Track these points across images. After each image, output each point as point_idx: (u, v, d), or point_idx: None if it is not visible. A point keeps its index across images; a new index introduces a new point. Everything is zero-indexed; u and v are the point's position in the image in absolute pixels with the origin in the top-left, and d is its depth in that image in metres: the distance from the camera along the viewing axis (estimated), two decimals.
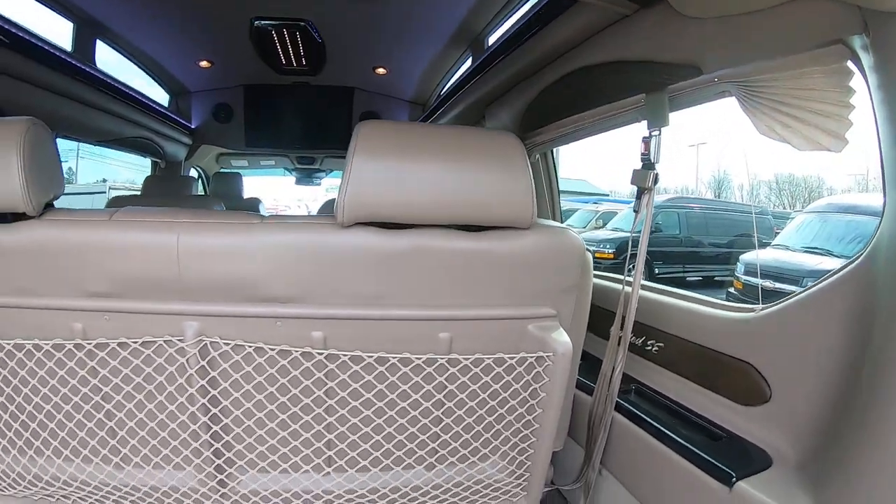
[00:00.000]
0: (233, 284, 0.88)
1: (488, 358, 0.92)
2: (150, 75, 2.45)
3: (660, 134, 1.07)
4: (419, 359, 0.91)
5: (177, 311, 0.88)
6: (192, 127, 2.85)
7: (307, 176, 3.66)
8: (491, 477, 1.06)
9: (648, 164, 1.06)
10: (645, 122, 1.11)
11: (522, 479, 1.02)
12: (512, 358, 0.92)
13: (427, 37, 2.08)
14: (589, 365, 1.21)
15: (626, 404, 1.14)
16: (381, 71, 2.55)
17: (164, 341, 0.89)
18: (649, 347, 1.25)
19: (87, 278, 0.88)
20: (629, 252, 1.11)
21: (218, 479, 0.98)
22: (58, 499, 0.99)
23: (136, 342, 0.89)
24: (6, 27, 1.35)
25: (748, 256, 6.02)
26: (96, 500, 0.98)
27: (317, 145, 2.96)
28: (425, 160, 0.86)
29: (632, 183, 1.08)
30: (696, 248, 7.22)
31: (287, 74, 2.55)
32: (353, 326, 0.90)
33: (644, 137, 1.07)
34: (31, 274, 0.89)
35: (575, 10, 1.24)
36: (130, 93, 2.12)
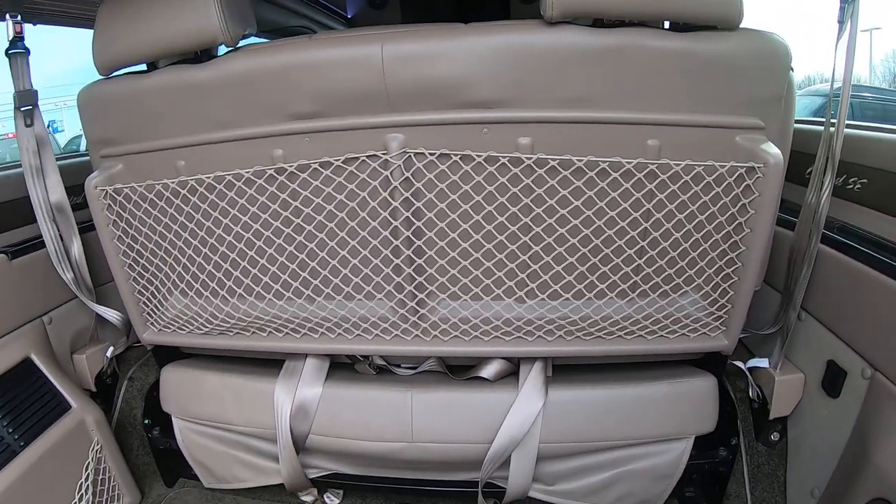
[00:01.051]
0: (438, 89, 0.86)
1: (699, 166, 0.86)
2: None
3: None
4: (629, 163, 0.86)
5: (381, 123, 0.88)
6: (349, 17, 2.87)
7: None
8: (688, 311, 0.99)
9: None
10: None
11: (724, 311, 0.96)
12: (723, 167, 0.86)
13: None
14: (784, 209, 1.11)
15: (833, 235, 1.03)
16: None
17: (368, 156, 0.89)
18: (850, 186, 1.13)
19: (288, 101, 0.90)
20: (832, 77, 0.98)
21: (410, 305, 0.99)
22: (252, 332, 1.06)
23: (338, 160, 0.90)
24: None
25: None
26: (291, 329, 1.03)
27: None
28: None
29: None
30: None
31: None
32: (560, 131, 0.86)
33: None
34: (230, 106, 0.93)
35: None
36: None
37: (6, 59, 1.16)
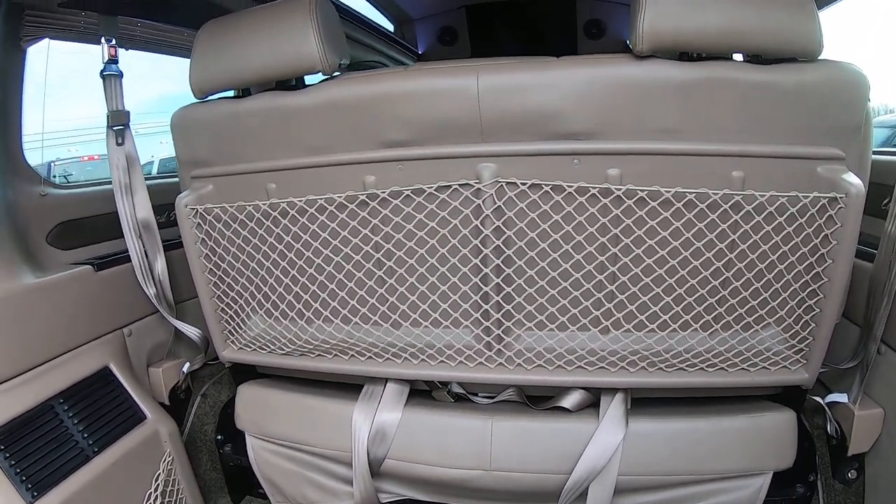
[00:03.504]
0: (531, 120, 0.88)
1: (783, 196, 0.87)
2: (374, 6, 2.51)
3: None
4: (716, 194, 0.87)
5: (474, 153, 0.90)
6: (420, 52, 2.95)
7: None
8: (769, 344, 0.98)
9: None
10: None
11: (805, 343, 0.95)
12: (806, 197, 0.86)
13: None
14: (859, 241, 1.10)
15: None
16: None
17: (460, 185, 0.91)
18: None
19: (381, 129, 0.93)
20: None
21: (496, 332, 1.00)
22: (334, 354, 1.07)
23: (431, 188, 0.92)
24: None
25: None
26: (374, 354, 1.05)
27: None
28: None
29: None
30: None
31: None
32: (648, 162, 0.88)
33: None
34: (323, 132, 0.95)
35: None
36: (364, 18, 2.23)
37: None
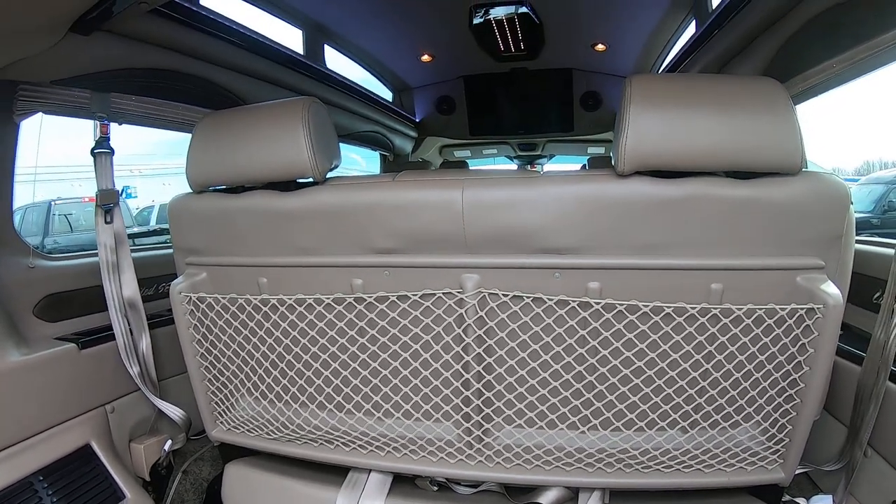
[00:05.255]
0: (514, 235, 0.90)
1: (760, 309, 0.88)
2: (374, 75, 2.61)
3: None
4: (693, 308, 0.88)
5: (458, 264, 0.93)
6: (417, 120, 3.02)
7: (529, 162, 3.68)
8: (745, 444, 1.00)
9: None
10: None
11: (781, 444, 0.96)
12: (783, 309, 0.88)
13: (646, 6, 2.03)
14: (849, 335, 1.10)
15: None
16: (599, 47, 2.48)
17: (444, 293, 0.94)
18: None
19: (371, 236, 0.95)
20: None
21: (476, 433, 1.02)
22: (320, 443, 1.09)
23: (415, 295, 0.95)
24: (248, 34, 1.49)
25: None
26: (359, 445, 1.06)
27: (538, 130, 3.00)
28: (698, 108, 0.85)
29: None
30: None
31: (505, 61, 2.58)
32: (628, 276, 0.90)
33: None
34: (313, 235, 0.98)
35: None
36: (361, 89, 2.29)
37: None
